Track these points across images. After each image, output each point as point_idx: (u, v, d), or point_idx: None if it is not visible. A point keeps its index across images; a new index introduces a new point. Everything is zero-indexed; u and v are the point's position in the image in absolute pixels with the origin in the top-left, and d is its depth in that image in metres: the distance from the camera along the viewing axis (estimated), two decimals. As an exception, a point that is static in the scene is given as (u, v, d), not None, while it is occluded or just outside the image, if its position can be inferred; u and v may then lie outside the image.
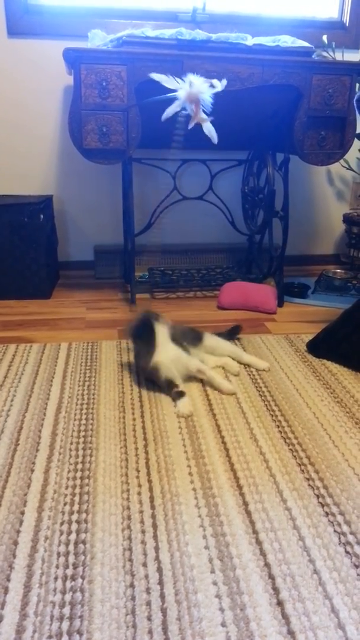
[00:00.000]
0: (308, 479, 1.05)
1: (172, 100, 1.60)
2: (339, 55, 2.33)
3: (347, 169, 2.48)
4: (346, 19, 2.37)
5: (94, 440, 1.16)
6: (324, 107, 1.88)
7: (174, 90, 1.57)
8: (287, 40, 1.83)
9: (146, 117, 1.80)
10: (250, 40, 1.80)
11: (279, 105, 1.98)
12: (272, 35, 1.88)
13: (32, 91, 2.24)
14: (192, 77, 1.55)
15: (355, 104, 1.92)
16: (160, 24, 2.18)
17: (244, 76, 1.79)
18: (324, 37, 2.29)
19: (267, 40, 1.82)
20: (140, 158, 2.17)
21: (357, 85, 1.95)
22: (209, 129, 1.58)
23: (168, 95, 1.55)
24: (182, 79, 1.57)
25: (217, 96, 1.83)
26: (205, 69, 1.75)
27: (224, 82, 1.60)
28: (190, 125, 1.57)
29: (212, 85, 1.58)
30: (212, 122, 1.61)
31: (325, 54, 2.31)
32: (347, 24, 2.37)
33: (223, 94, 1.82)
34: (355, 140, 2.01)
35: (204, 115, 1.54)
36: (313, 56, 1.88)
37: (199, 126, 1.63)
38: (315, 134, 1.92)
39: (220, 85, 1.58)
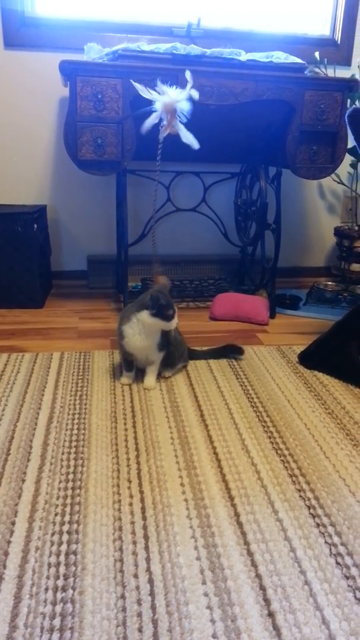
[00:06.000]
0: (299, 490, 1.05)
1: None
2: (330, 72, 2.37)
3: (338, 183, 2.51)
4: (338, 36, 2.42)
5: (85, 451, 1.16)
6: (316, 122, 1.91)
7: (152, 102, 1.58)
8: (280, 56, 1.87)
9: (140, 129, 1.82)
10: (244, 56, 1.83)
11: (271, 119, 2.01)
12: (265, 51, 1.91)
13: (28, 102, 2.25)
14: (165, 88, 1.56)
15: (346, 120, 1.95)
16: (155, 39, 2.22)
17: (238, 91, 1.82)
18: (316, 54, 2.33)
19: (260, 56, 1.85)
20: (134, 170, 2.19)
21: (349, 101, 1.99)
22: (187, 137, 1.58)
23: (150, 108, 1.57)
24: (156, 90, 1.58)
25: (210, 110, 1.86)
26: (200, 84, 1.77)
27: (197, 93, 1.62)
28: (162, 135, 1.57)
29: (190, 96, 1.59)
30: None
31: (317, 70, 2.35)
32: (339, 42, 2.42)
33: (217, 109, 1.85)
34: (347, 154, 2.05)
35: (180, 125, 1.55)
36: (305, 72, 1.91)
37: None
38: (307, 148, 1.95)
39: (196, 93, 1.59)
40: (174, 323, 1.39)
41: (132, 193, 2.40)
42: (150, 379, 1.47)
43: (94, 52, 1.92)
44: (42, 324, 1.95)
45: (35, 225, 2.06)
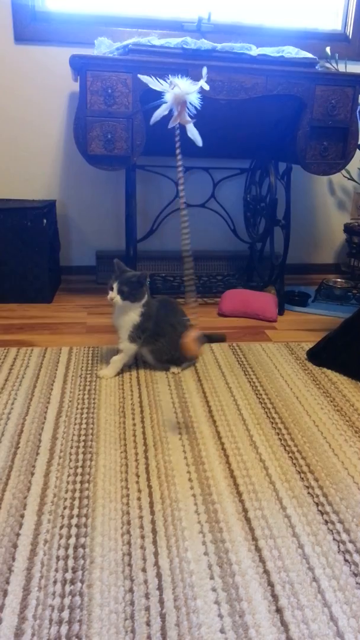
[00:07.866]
0: (307, 487, 1.05)
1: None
2: (342, 67, 2.35)
3: (349, 179, 2.50)
4: (349, 31, 2.40)
5: (94, 445, 1.16)
6: (327, 117, 1.90)
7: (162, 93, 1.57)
8: (291, 51, 1.85)
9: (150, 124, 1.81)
10: (254, 51, 1.82)
11: (282, 115, 1.99)
12: (276, 46, 1.90)
13: (38, 97, 2.25)
14: (176, 80, 1.54)
15: (358, 115, 1.93)
16: (166, 33, 2.21)
17: (248, 86, 1.81)
18: (327, 49, 2.31)
19: (271, 51, 1.84)
20: (143, 165, 2.19)
21: (360, 96, 1.97)
22: (192, 131, 1.57)
23: (160, 100, 1.55)
24: (167, 81, 1.57)
25: (220, 105, 1.85)
26: (210, 78, 1.76)
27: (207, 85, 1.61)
28: (170, 125, 1.56)
29: (201, 88, 1.57)
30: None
31: (328, 65, 2.33)
32: (350, 37, 2.39)
33: (227, 103, 1.84)
34: (357, 150, 2.03)
35: (187, 117, 1.54)
36: (316, 67, 1.90)
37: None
38: (318, 144, 1.94)
39: (207, 86, 1.58)
40: (109, 295, 1.43)
41: (141, 189, 2.39)
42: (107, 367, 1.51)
43: (104, 47, 1.91)
44: (51, 319, 1.96)
45: (45, 221, 2.06)
